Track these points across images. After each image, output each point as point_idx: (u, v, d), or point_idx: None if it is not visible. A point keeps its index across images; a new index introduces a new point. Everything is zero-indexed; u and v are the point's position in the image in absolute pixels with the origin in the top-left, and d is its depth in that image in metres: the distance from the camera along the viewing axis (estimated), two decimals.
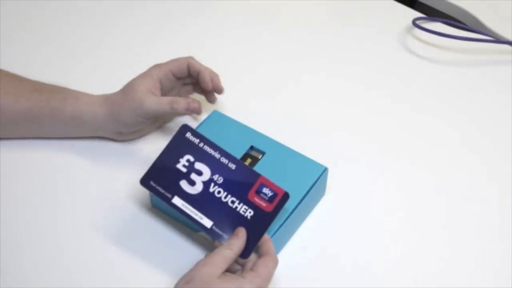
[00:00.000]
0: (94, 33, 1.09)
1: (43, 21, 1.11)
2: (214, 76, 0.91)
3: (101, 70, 1.03)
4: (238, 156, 0.85)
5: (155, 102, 0.86)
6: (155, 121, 0.93)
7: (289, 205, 0.81)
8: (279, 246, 0.83)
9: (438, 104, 1.01)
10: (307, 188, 0.83)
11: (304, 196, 0.82)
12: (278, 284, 0.81)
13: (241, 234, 0.76)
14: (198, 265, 0.73)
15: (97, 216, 0.86)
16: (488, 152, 0.95)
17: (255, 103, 0.98)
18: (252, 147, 0.87)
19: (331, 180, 0.88)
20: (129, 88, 0.88)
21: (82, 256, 0.83)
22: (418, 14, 1.13)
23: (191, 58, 0.90)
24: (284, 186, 0.82)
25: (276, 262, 0.75)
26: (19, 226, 0.85)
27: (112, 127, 0.89)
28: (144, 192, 0.88)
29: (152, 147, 0.93)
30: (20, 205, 0.87)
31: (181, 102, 0.87)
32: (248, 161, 0.85)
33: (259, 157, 0.86)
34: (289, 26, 1.12)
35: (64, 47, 1.07)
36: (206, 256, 0.75)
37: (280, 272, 0.81)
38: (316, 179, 0.84)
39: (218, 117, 0.89)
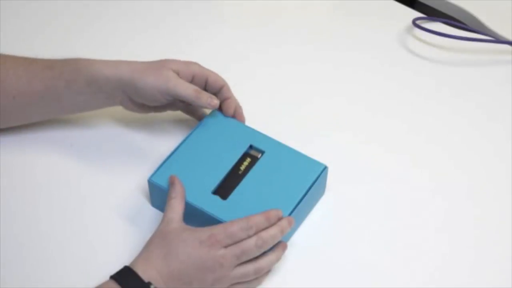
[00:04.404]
0: (92, 31, 1.09)
1: (43, 20, 1.11)
2: (238, 108, 0.90)
3: None
4: (238, 155, 0.86)
5: (181, 84, 0.84)
6: (169, 105, 0.91)
7: (290, 204, 0.81)
8: None
9: (438, 104, 1.01)
10: (307, 187, 0.83)
11: (305, 195, 0.82)
12: (278, 284, 0.81)
13: (175, 181, 0.80)
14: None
15: (96, 216, 0.86)
16: (488, 152, 0.95)
17: (255, 104, 0.97)
18: (251, 146, 0.87)
19: (331, 180, 0.88)
20: (160, 63, 0.86)
21: (81, 257, 0.83)
22: (418, 14, 1.13)
23: (227, 83, 0.89)
24: (284, 185, 0.82)
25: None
26: (18, 227, 0.85)
27: (126, 91, 0.86)
28: (144, 192, 0.88)
29: (152, 147, 0.93)
30: (19, 206, 0.87)
31: (205, 94, 0.85)
32: (247, 161, 0.85)
33: (258, 156, 0.86)
34: (289, 26, 1.12)
35: (64, 42, 1.07)
36: None
37: (280, 272, 0.81)
38: (316, 177, 0.84)
39: (217, 117, 0.89)
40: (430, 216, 0.88)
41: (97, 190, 0.89)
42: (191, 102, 0.86)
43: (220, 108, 0.90)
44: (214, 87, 0.89)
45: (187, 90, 0.85)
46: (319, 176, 0.84)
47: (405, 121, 0.99)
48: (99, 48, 1.07)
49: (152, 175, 0.84)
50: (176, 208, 0.79)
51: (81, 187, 0.89)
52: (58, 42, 1.08)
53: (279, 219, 0.78)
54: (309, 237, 0.85)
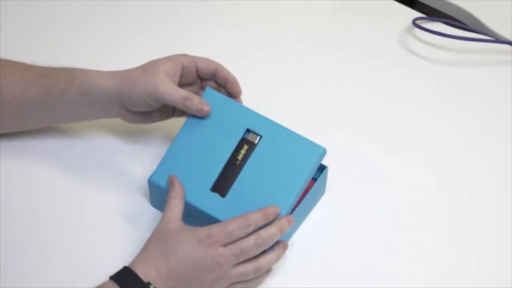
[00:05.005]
0: (91, 31, 1.09)
1: (42, 19, 1.11)
2: (234, 80, 0.88)
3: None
4: (235, 142, 0.83)
5: (170, 91, 0.83)
6: (165, 111, 0.89)
7: (290, 196, 0.80)
8: None
9: (438, 104, 1.01)
10: (307, 175, 0.81)
11: (304, 184, 0.81)
12: (278, 284, 0.81)
13: (174, 181, 0.80)
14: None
15: (96, 217, 0.86)
16: (488, 152, 0.95)
17: (255, 104, 0.97)
18: (248, 130, 0.84)
19: (331, 180, 0.88)
20: (149, 67, 0.85)
21: (81, 257, 0.83)
22: (418, 14, 1.13)
23: (221, 65, 0.88)
24: (283, 176, 0.80)
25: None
26: (18, 227, 0.85)
27: (121, 102, 0.85)
28: (144, 193, 0.88)
29: (151, 147, 0.93)
30: (19, 207, 0.87)
31: (194, 101, 0.83)
32: (245, 148, 0.83)
33: (256, 141, 0.83)
34: (289, 26, 1.12)
35: (63, 42, 1.07)
36: None
37: (280, 272, 0.81)
38: (315, 162, 0.81)
39: (212, 96, 0.86)
40: (431, 216, 0.88)
41: (97, 190, 0.89)
42: (179, 107, 0.84)
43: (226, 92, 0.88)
44: (207, 72, 0.87)
45: (175, 97, 0.83)
46: (322, 172, 0.84)
47: (405, 121, 0.99)
48: (98, 48, 1.07)
49: (152, 175, 0.84)
50: (175, 208, 0.79)
51: (80, 188, 0.89)
52: (57, 42, 1.08)
53: (277, 215, 0.78)
54: (309, 237, 0.85)
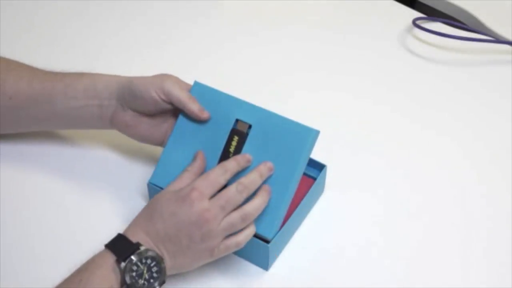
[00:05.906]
0: (94, 34, 1.10)
1: (44, 22, 1.11)
2: None
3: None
4: (225, 135, 0.82)
5: (178, 87, 0.84)
6: (157, 129, 0.87)
7: (291, 179, 0.79)
8: (281, 246, 0.83)
9: (438, 104, 1.01)
10: (301, 162, 0.79)
11: (303, 166, 0.80)
12: (278, 284, 0.81)
13: (199, 157, 0.81)
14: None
15: (94, 219, 0.86)
16: (488, 152, 0.95)
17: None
18: (237, 121, 0.83)
19: (330, 178, 0.88)
20: (160, 73, 0.86)
21: (79, 260, 0.83)
22: (418, 14, 1.13)
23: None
24: (278, 164, 0.79)
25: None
26: (17, 230, 0.85)
27: (121, 95, 0.85)
28: (145, 196, 0.88)
29: (151, 151, 0.92)
30: (18, 211, 0.87)
31: (197, 103, 0.84)
32: (235, 140, 0.82)
33: (245, 131, 0.82)
34: (289, 26, 1.12)
35: (65, 47, 1.07)
36: None
37: (280, 271, 0.82)
38: (310, 143, 0.80)
39: (200, 89, 0.84)
40: (430, 214, 0.88)
41: (97, 195, 0.88)
42: (182, 105, 0.84)
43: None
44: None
45: (181, 93, 0.84)
46: (321, 171, 0.83)
47: (405, 121, 0.99)
48: (95, 49, 1.07)
49: (151, 178, 0.83)
50: (183, 182, 0.79)
51: (80, 192, 0.89)
52: (55, 42, 1.08)
53: (249, 162, 0.80)
54: (308, 235, 0.85)
